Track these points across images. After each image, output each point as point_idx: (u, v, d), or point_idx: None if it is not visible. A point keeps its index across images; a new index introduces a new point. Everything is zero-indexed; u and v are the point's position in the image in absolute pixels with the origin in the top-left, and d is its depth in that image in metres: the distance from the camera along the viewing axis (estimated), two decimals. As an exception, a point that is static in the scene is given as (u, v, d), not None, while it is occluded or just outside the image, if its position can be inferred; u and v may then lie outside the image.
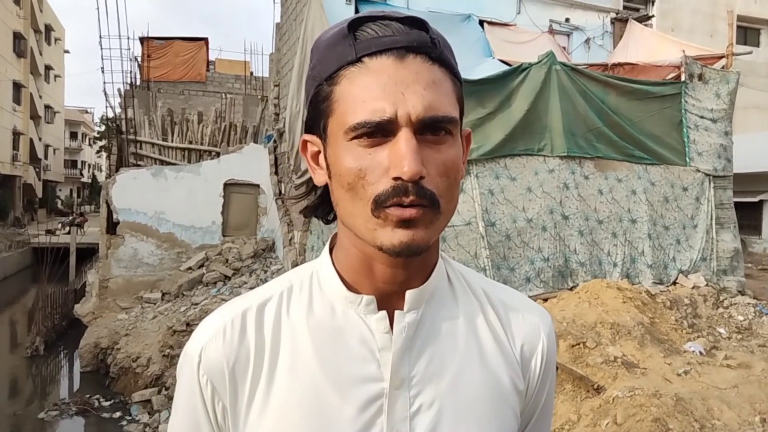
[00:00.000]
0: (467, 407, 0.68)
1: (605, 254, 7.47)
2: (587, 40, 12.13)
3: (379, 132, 0.60)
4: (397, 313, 0.68)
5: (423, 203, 0.60)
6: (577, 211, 7.45)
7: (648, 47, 9.86)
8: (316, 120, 0.66)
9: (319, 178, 0.69)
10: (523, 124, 7.27)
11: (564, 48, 11.71)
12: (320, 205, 0.74)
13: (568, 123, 7.41)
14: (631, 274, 7.48)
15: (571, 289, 7.13)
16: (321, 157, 0.68)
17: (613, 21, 12.33)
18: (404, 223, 0.60)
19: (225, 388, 0.67)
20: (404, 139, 0.59)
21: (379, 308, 0.68)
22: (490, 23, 11.13)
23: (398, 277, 0.67)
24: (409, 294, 0.68)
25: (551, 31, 11.89)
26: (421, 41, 0.62)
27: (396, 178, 0.59)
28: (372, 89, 0.60)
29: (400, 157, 0.59)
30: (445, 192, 0.63)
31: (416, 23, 0.63)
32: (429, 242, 0.63)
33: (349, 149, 0.61)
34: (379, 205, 0.60)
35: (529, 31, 11.40)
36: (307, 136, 0.69)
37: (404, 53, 0.61)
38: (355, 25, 0.63)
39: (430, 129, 0.61)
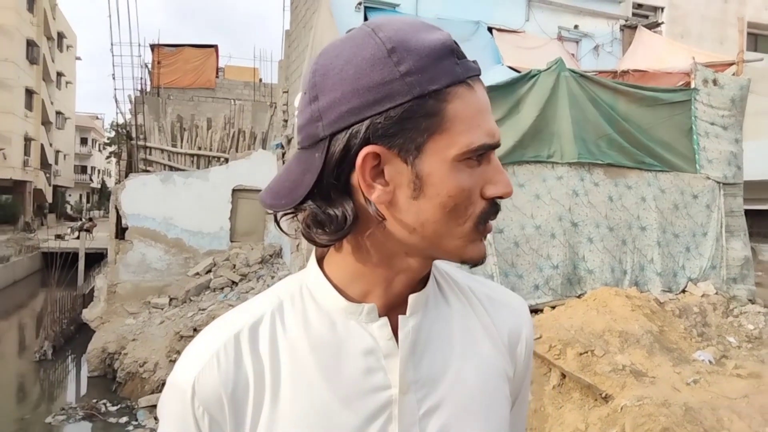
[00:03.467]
0: (471, 403, 0.70)
1: (616, 262, 7.42)
2: (596, 47, 12.10)
3: (486, 155, 0.64)
4: (401, 318, 0.67)
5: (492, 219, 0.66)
6: (587, 218, 7.41)
7: (657, 54, 9.82)
8: (408, 134, 0.60)
9: (382, 197, 0.61)
10: (532, 131, 7.25)
11: (573, 55, 11.69)
12: (349, 231, 0.64)
13: (578, 130, 7.39)
14: (640, 282, 7.42)
15: (579, 296, 7.08)
16: (391, 171, 0.61)
17: (623, 28, 12.31)
18: (481, 239, 0.66)
19: (225, 417, 0.63)
20: (496, 160, 0.65)
21: (379, 315, 0.68)
22: (499, 30, 11.14)
23: (413, 284, 0.69)
24: (412, 298, 0.68)
25: (560, 38, 11.88)
26: (479, 68, 0.66)
27: (498, 197, 0.64)
28: (482, 113, 0.63)
29: (502, 176, 0.64)
30: None
31: None
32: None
33: (459, 170, 0.62)
34: (482, 221, 0.65)
35: (538, 37, 11.40)
36: (377, 149, 0.60)
37: (479, 79, 0.65)
38: None
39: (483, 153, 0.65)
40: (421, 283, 0.71)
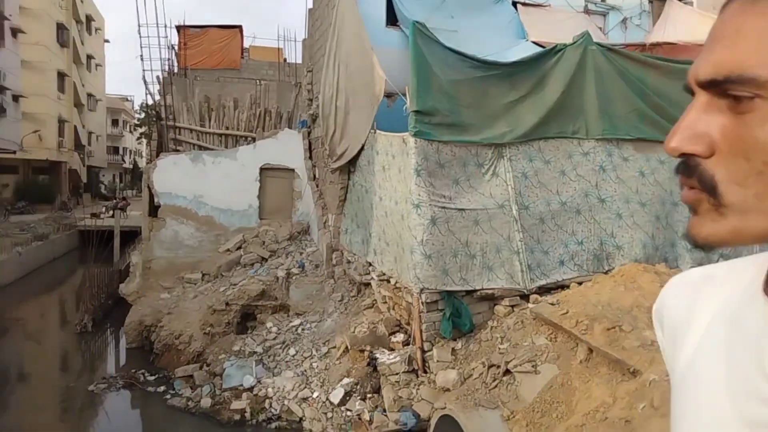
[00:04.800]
0: None
1: (649, 237, 7.37)
2: (624, 20, 11.83)
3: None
4: None
5: (695, 186, 0.49)
6: (615, 193, 7.37)
7: (688, 26, 9.58)
8: None
9: None
10: (557, 107, 7.21)
11: (600, 28, 11.46)
12: None
13: (604, 105, 7.31)
14: (669, 258, 7.38)
15: (606, 272, 7.09)
16: None
17: (651, 0, 11.98)
18: (690, 208, 0.50)
19: (662, 332, 0.69)
20: (690, 106, 0.50)
21: None
22: (524, 4, 10.98)
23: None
24: None
25: (587, 12, 11.64)
26: None
27: None
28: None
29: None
30: (739, 179, 0.47)
31: None
32: (715, 239, 0.49)
33: None
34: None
35: (564, 11, 11.19)
36: None
37: None
38: None
39: (721, 91, 0.48)
40: None
